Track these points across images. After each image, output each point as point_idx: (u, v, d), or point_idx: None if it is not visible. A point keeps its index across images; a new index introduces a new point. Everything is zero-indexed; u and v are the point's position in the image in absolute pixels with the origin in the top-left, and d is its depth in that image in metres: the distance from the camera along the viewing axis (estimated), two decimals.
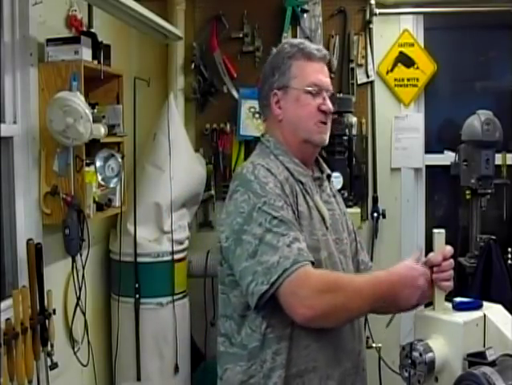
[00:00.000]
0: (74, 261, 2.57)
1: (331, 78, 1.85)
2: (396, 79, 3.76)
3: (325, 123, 1.76)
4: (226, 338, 1.71)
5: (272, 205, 1.60)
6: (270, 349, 1.63)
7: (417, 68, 3.74)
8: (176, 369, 3.25)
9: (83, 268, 2.64)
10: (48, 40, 2.49)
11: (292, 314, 1.56)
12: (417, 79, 3.74)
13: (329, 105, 1.75)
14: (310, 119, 1.74)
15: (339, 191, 2.47)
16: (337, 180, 3.17)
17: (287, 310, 1.56)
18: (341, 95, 3.60)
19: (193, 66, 3.72)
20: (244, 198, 1.64)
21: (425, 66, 3.73)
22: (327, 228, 1.74)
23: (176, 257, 3.27)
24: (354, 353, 1.72)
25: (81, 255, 2.60)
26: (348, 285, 1.56)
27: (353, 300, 1.55)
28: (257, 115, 3.60)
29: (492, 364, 1.48)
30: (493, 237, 3.31)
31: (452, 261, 1.66)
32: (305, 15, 3.68)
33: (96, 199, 2.67)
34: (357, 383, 1.74)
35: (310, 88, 1.74)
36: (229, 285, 1.70)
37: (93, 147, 2.65)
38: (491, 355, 1.51)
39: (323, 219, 1.74)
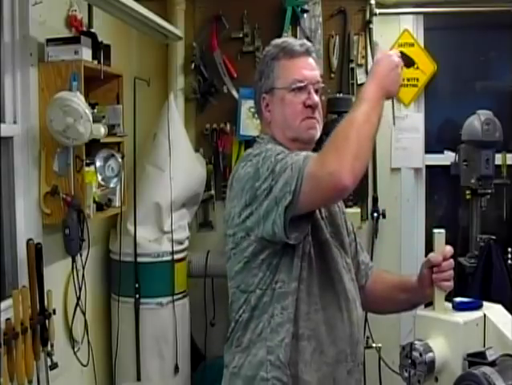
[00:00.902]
0: (74, 261, 2.57)
1: (330, 77, 1.84)
2: None
3: (313, 118, 1.73)
4: (237, 325, 1.72)
5: (274, 151, 1.61)
6: (278, 303, 1.64)
7: (417, 68, 3.74)
8: (176, 369, 3.25)
9: (83, 268, 2.64)
10: (48, 40, 2.49)
11: (332, 196, 1.54)
12: (417, 79, 3.74)
13: (314, 99, 1.72)
14: (296, 118, 1.72)
15: None
16: None
17: (323, 198, 1.55)
18: (341, 95, 3.61)
19: (192, 66, 3.72)
20: (247, 166, 1.65)
21: (425, 66, 3.73)
22: (322, 218, 1.75)
23: (176, 257, 3.27)
24: (352, 339, 1.72)
25: (81, 255, 2.60)
26: (348, 122, 1.52)
27: (363, 126, 1.51)
28: (256, 115, 3.60)
29: (492, 364, 1.48)
30: (493, 237, 3.31)
31: (452, 261, 1.67)
32: (305, 15, 3.68)
33: (96, 199, 2.67)
34: (354, 374, 1.73)
35: (293, 86, 1.72)
36: (242, 270, 1.69)
37: (93, 147, 2.65)
38: (491, 355, 1.51)
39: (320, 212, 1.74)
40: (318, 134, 1.76)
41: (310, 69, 1.76)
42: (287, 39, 1.82)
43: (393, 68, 1.63)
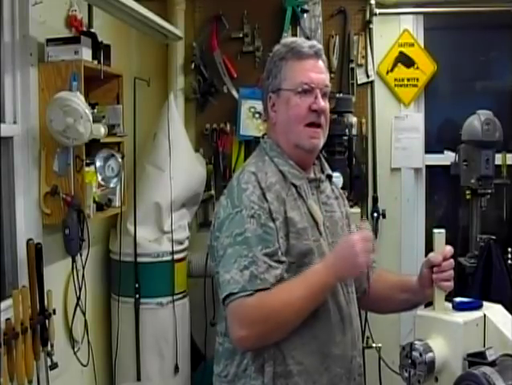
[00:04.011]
0: (74, 261, 2.57)
1: (330, 77, 1.82)
2: (396, 79, 3.76)
3: (317, 126, 1.70)
4: (224, 336, 1.71)
5: (242, 217, 1.60)
6: None
7: (417, 68, 3.74)
8: (176, 369, 3.25)
9: (83, 268, 2.64)
10: (48, 40, 2.49)
11: (230, 337, 1.63)
12: (417, 79, 3.74)
13: (320, 104, 1.69)
14: (300, 122, 1.69)
15: None
16: (337, 180, 3.16)
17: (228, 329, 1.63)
18: (341, 95, 3.60)
19: (192, 66, 3.73)
20: (223, 204, 1.67)
21: (425, 66, 3.74)
22: (320, 233, 1.71)
23: (176, 257, 3.27)
24: (345, 359, 1.70)
25: (81, 255, 2.60)
26: (280, 303, 1.56)
27: (286, 315, 1.56)
28: (257, 115, 3.60)
29: (492, 364, 1.48)
30: (493, 237, 3.31)
31: (452, 261, 1.67)
32: (305, 15, 3.68)
33: (96, 199, 2.67)
34: None
35: (299, 88, 1.69)
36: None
37: (93, 147, 2.65)
38: (491, 355, 1.51)
39: (316, 224, 1.70)
40: (321, 143, 1.74)
41: (318, 72, 1.72)
42: (297, 39, 1.78)
43: (353, 255, 1.59)
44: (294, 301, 1.56)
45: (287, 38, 1.82)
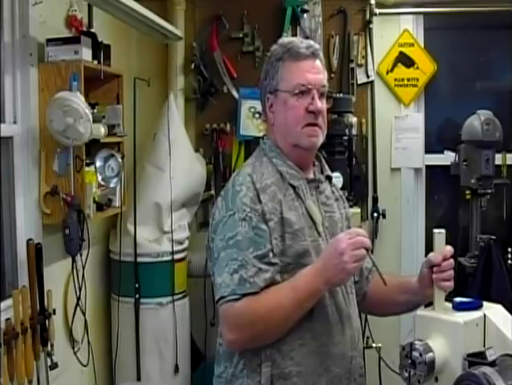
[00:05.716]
0: (74, 261, 2.57)
1: (330, 77, 1.82)
2: (396, 79, 3.76)
3: (315, 125, 1.70)
4: (223, 351, 1.72)
5: (234, 220, 1.61)
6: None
7: (417, 68, 3.74)
8: (176, 369, 3.25)
9: (83, 268, 2.64)
10: (48, 40, 2.49)
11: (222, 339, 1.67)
12: (417, 79, 3.75)
13: (317, 105, 1.68)
14: (297, 124, 1.69)
15: None
16: (337, 180, 3.16)
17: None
18: (341, 95, 3.61)
19: (192, 66, 3.73)
20: (219, 206, 1.68)
21: (425, 66, 3.74)
22: (319, 233, 1.70)
23: (176, 257, 3.27)
24: (345, 359, 1.69)
25: (81, 255, 2.60)
26: (267, 308, 1.56)
27: (274, 320, 1.57)
28: (257, 115, 3.60)
29: (492, 364, 1.48)
30: (493, 237, 3.31)
31: (452, 261, 1.66)
32: (305, 15, 3.68)
33: (96, 199, 2.67)
34: None
35: (296, 90, 1.68)
36: None
37: (93, 147, 2.65)
38: (491, 355, 1.50)
39: (315, 224, 1.70)
40: (320, 141, 1.73)
41: (315, 72, 1.71)
42: (294, 40, 1.77)
43: (339, 255, 1.54)
44: (281, 306, 1.56)
45: (284, 38, 1.81)
